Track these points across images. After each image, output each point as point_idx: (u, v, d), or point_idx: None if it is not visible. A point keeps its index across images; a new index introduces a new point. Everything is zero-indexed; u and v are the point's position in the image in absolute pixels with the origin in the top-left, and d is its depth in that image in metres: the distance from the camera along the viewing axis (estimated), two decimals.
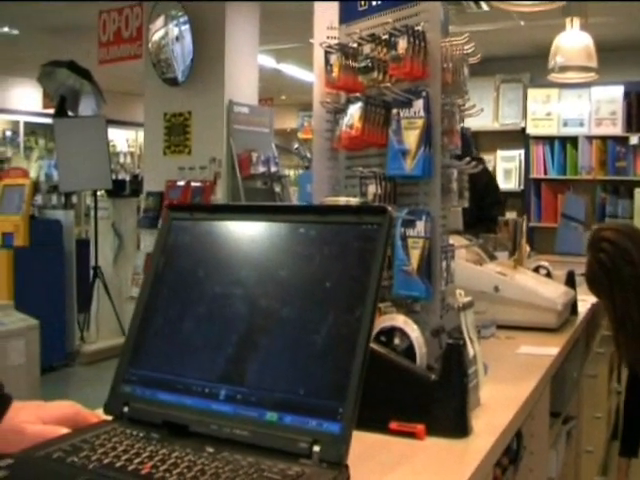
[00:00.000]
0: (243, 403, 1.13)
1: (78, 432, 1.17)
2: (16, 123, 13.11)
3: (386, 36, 1.77)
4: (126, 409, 1.23)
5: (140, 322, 1.29)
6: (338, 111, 1.89)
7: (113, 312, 8.36)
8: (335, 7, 1.97)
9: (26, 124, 13.14)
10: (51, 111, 10.00)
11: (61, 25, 8.69)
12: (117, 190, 8.61)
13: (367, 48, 1.81)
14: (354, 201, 1.60)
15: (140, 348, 1.27)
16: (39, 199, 11.69)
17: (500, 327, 2.45)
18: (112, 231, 8.62)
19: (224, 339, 1.19)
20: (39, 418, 1.19)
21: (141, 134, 13.76)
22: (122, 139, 14.57)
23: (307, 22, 6.22)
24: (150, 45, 7.19)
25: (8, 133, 13.06)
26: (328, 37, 1.95)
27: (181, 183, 6.96)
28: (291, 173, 16.07)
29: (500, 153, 8.91)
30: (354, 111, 1.77)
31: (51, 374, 7.09)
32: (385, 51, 1.76)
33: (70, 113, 8.81)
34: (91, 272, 8.37)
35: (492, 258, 2.87)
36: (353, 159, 1.91)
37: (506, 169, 8.89)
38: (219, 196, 6.90)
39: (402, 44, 1.69)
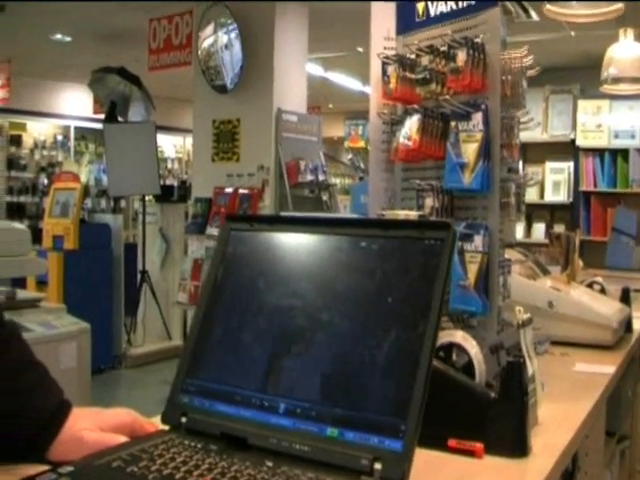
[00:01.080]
0: (303, 417, 1.12)
1: (136, 441, 1.17)
2: (67, 128, 13.29)
3: (445, 48, 1.76)
4: (184, 419, 1.22)
5: (198, 332, 1.29)
6: (395, 122, 1.88)
7: (159, 316, 8.44)
8: (392, 18, 1.96)
9: (76, 129, 13.32)
10: (101, 116, 10.12)
11: (112, 32, 8.81)
12: (165, 195, 8.69)
13: (425, 60, 1.80)
14: (412, 214, 1.59)
15: (198, 358, 1.27)
16: (89, 203, 11.86)
17: (554, 343, 2.42)
18: (160, 236, 8.70)
19: (283, 352, 1.18)
20: (97, 426, 1.19)
21: (189, 140, 13.91)
22: (170, 145, 14.70)
23: (355, 30, 6.26)
24: (199, 52, 7.23)
25: (59, 137, 13.24)
26: (385, 48, 1.94)
27: (229, 190, 6.97)
28: (337, 181, 16.10)
29: (549, 165, 8.82)
30: (412, 123, 1.76)
31: (99, 377, 7.16)
32: (444, 63, 1.75)
33: (120, 119, 8.89)
34: (138, 276, 8.45)
35: (545, 273, 2.83)
36: (410, 171, 1.90)
37: (555, 181, 8.80)
38: (267, 203, 6.92)
39: (461, 56, 1.68)
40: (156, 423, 1.27)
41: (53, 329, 2.90)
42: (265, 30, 7.04)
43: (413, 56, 1.86)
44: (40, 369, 1.25)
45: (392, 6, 1.95)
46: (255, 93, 7.07)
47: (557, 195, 8.71)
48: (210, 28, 7.15)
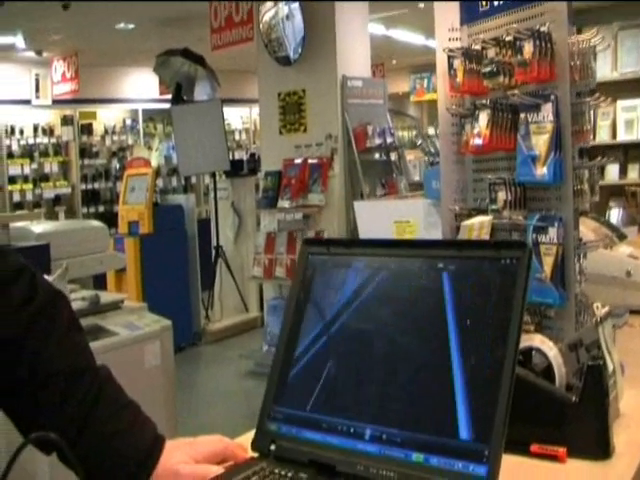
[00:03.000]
0: (389, 443, 1.13)
1: (230, 473, 1.19)
2: (135, 111, 13.51)
3: (510, 38, 1.72)
4: (273, 447, 1.24)
5: (283, 359, 1.31)
6: (464, 115, 1.86)
7: (236, 290, 8.55)
8: (456, 8, 1.93)
9: (144, 111, 13.54)
10: (167, 97, 10.23)
11: (173, 15, 8.89)
12: (235, 170, 8.76)
13: (491, 52, 1.77)
14: (487, 221, 1.57)
15: (284, 385, 1.29)
16: (160, 182, 12.03)
17: (633, 312, 2.36)
18: (232, 210, 8.77)
19: (366, 377, 1.19)
20: (191, 457, 1.22)
21: (254, 110, 13.97)
22: (236, 117, 14.77)
23: None
24: (261, 26, 7.22)
25: (128, 122, 13.47)
26: (450, 39, 1.92)
27: (298, 161, 6.99)
28: (405, 135, 16.01)
29: (620, 103, 8.56)
30: (481, 118, 1.74)
31: (180, 354, 7.30)
32: (510, 54, 1.72)
33: (186, 99, 8.96)
34: (213, 252, 8.56)
35: (621, 238, 2.76)
36: (480, 162, 1.88)
37: (627, 120, 8.53)
38: (336, 171, 6.92)
39: (528, 48, 1.64)
40: (245, 445, 1.29)
41: (137, 330, 2.96)
42: None
43: (479, 47, 1.83)
44: (134, 407, 1.28)
45: None
46: (319, 62, 7.05)
47: (630, 134, 8.46)
48: (270, 1, 7.13)
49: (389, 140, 7.21)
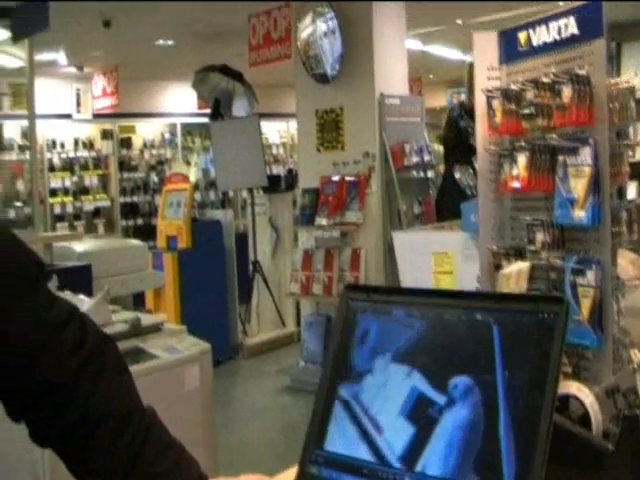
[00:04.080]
0: None
1: None
2: (173, 125, 13.67)
3: (549, 80, 1.74)
4: None
5: (324, 402, 1.32)
6: (502, 154, 1.88)
7: (273, 304, 8.59)
8: (495, 47, 1.95)
9: (183, 125, 13.68)
10: (206, 111, 10.33)
11: (212, 32, 8.98)
12: (273, 185, 8.80)
13: (530, 94, 1.79)
14: (524, 268, 1.59)
15: (325, 428, 1.30)
16: (198, 196, 12.15)
17: None
18: (269, 226, 8.82)
19: (405, 424, 1.21)
20: None
21: (292, 124, 14.05)
22: (274, 131, 14.85)
23: (451, 5, 6.26)
24: (299, 43, 7.28)
25: (166, 135, 13.62)
26: (488, 78, 1.94)
27: (336, 178, 7.03)
28: (440, 149, 15.95)
29: None
30: (520, 159, 1.76)
31: (218, 369, 7.33)
32: (549, 96, 1.74)
33: (224, 115, 9.04)
34: (250, 266, 8.62)
35: None
36: (518, 201, 1.90)
37: None
38: (374, 189, 6.94)
39: (567, 92, 1.66)
40: None
41: (177, 353, 3.00)
42: (363, 16, 7.03)
43: (517, 88, 1.85)
44: (178, 446, 1.31)
45: (494, 36, 1.94)
46: (356, 80, 7.08)
47: None
48: (308, 18, 7.18)
49: (426, 158, 7.24)
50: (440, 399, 1.18)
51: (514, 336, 1.17)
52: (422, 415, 1.19)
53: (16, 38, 5.69)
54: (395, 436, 1.20)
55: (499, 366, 1.16)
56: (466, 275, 2.33)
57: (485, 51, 1.97)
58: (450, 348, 1.22)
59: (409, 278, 2.52)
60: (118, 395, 1.30)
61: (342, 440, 1.27)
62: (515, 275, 1.55)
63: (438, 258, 2.34)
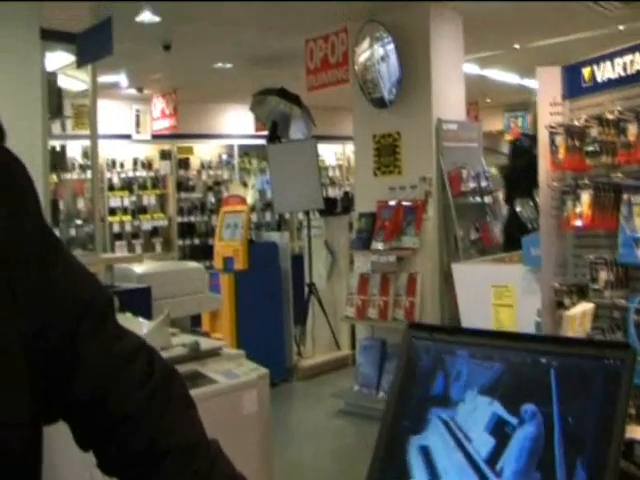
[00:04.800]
0: None
1: None
2: (231, 147, 13.81)
3: (613, 117, 1.74)
4: None
5: (385, 444, 1.34)
6: (565, 191, 1.88)
7: (328, 327, 8.60)
8: (558, 82, 1.95)
9: (240, 147, 13.81)
10: (263, 133, 10.43)
11: (269, 55, 9.07)
12: (329, 208, 8.83)
13: (594, 130, 1.79)
14: (588, 310, 1.58)
15: (385, 471, 1.31)
16: (254, 217, 12.24)
17: None
18: (325, 248, 8.85)
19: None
20: None
21: (348, 147, 14.10)
22: (330, 153, 14.92)
23: (510, 28, 6.29)
24: (356, 67, 7.32)
25: (224, 156, 13.77)
26: (551, 113, 1.94)
27: (392, 203, 7.04)
28: (498, 173, 15.85)
29: None
30: (583, 197, 1.75)
31: (273, 390, 7.34)
32: (613, 133, 1.73)
33: (282, 138, 9.11)
34: (306, 288, 8.65)
35: None
36: (581, 238, 1.89)
37: None
38: (430, 214, 6.94)
39: (632, 130, 1.66)
40: None
41: (235, 378, 3.03)
42: (420, 41, 7.06)
43: (581, 124, 1.85)
44: (242, 479, 1.33)
45: (558, 71, 1.95)
46: (414, 105, 7.10)
47: None
48: (366, 43, 7.23)
49: (484, 184, 7.23)
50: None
51: (579, 381, 1.17)
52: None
53: (80, 64, 5.83)
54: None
55: (562, 410, 1.16)
56: (526, 308, 2.32)
57: (548, 86, 1.97)
58: (519, 384, 1.23)
59: (468, 310, 2.52)
60: (185, 427, 1.32)
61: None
62: (579, 317, 1.55)
63: (498, 291, 2.33)
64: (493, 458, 1.21)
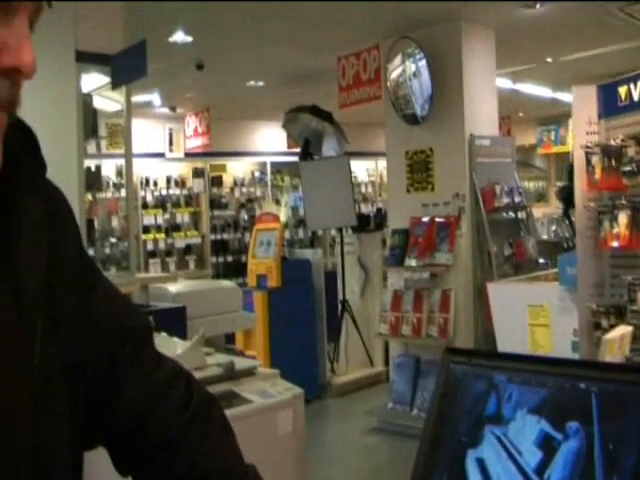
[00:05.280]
0: None
1: None
2: (263, 164, 13.87)
3: None
4: None
5: (422, 472, 1.33)
6: (601, 211, 1.87)
7: (361, 343, 8.58)
8: (594, 101, 1.94)
9: (272, 164, 13.87)
10: (295, 150, 10.47)
11: (301, 73, 9.12)
12: (362, 225, 8.83)
13: (631, 150, 1.77)
14: (627, 334, 1.57)
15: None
16: (286, 234, 12.28)
17: None
18: (358, 265, 8.84)
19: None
20: None
21: (380, 163, 14.11)
22: (362, 169, 14.93)
23: (543, 42, 6.28)
24: (388, 84, 7.34)
25: (256, 174, 13.83)
26: (587, 132, 1.93)
27: (425, 219, 7.03)
28: (530, 186, 15.80)
29: None
30: (620, 217, 1.74)
31: (306, 407, 7.35)
32: None
33: (314, 155, 9.13)
34: (339, 305, 8.64)
35: None
36: (618, 259, 1.88)
37: None
38: (464, 230, 6.92)
39: None
40: None
41: (270, 398, 3.04)
42: (452, 56, 7.06)
43: (617, 143, 1.84)
44: None
45: (593, 90, 1.94)
46: (446, 121, 7.10)
47: None
48: (398, 59, 7.24)
49: (517, 199, 7.20)
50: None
51: (619, 407, 1.16)
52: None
53: (115, 85, 5.89)
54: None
55: (602, 437, 1.15)
56: (562, 328, 2.30)
57: (584, 105, 1.96)
58: (563, 405, 1.22)
59: (504, 329, 2.50)
60: (223, 451, 1.33)
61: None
62: (618, 340, 1.54)
63: (534, 311, 2.32)
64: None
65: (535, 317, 2.33)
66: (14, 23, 0.89)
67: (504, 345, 2.48)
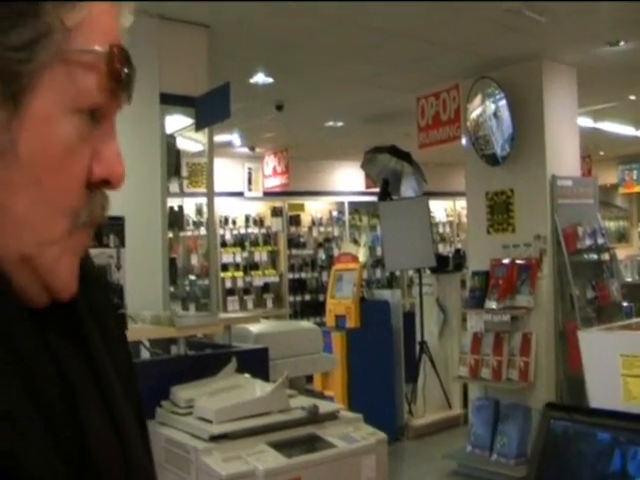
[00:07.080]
0: None
1: None
2: (341, 204, 13.92)
3: None
4: None
5: None
6: None
7: (439, 385, 8.49)
8: None
9: (350, 203, 13.91)
10: (373, 190, 10.49)
11: (380, 113, 9.18)
12: (440, 265, 8.78)
13: None
14: None
15: None
16: (365, 274, 12.28)
17: None
18: (436, 306, 8.78)
19: None
20: None
21: (458, 203, 14.04)
22: (440, 209, 14.88)
23: (625, 80, 6.22)
24: (468, 124, 7.32)
25: (334, 213, 13.88)
26: None
27: (506, 261, 6.96)
28: (611, 225, 15.51)
29: None
30: None
31: None
32: None
33: (393, 195, 9.14)
34: (417, 346, 8.58)
35: None
36: None
37: None
38: (545, 272, 6.83)
39: None
40: None
41: (354, 442, 3.02)
42: (533, 96, 7.03)
43: None
44: None
45: None
46: (527, 161, 7.05)
47: None
48: (478, 99, 7.24)
49: (600, 241, 7.09)
50: None
51: None
52: None
53: (199, 127, 5.98)
54: None
55: None
56: None
57: None
58: None
59: (595, 379, 2.45)
60: None
61: None
62: None
63: (627, 360, 2.27)
64: None
65: (629, 367, 2.27)
66: (104, 128, 0.81)
67: (594, 395, 2.43)
